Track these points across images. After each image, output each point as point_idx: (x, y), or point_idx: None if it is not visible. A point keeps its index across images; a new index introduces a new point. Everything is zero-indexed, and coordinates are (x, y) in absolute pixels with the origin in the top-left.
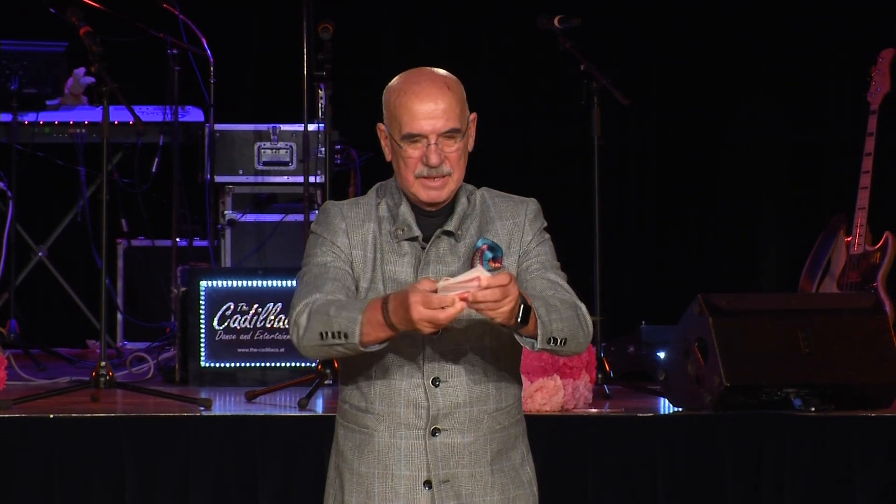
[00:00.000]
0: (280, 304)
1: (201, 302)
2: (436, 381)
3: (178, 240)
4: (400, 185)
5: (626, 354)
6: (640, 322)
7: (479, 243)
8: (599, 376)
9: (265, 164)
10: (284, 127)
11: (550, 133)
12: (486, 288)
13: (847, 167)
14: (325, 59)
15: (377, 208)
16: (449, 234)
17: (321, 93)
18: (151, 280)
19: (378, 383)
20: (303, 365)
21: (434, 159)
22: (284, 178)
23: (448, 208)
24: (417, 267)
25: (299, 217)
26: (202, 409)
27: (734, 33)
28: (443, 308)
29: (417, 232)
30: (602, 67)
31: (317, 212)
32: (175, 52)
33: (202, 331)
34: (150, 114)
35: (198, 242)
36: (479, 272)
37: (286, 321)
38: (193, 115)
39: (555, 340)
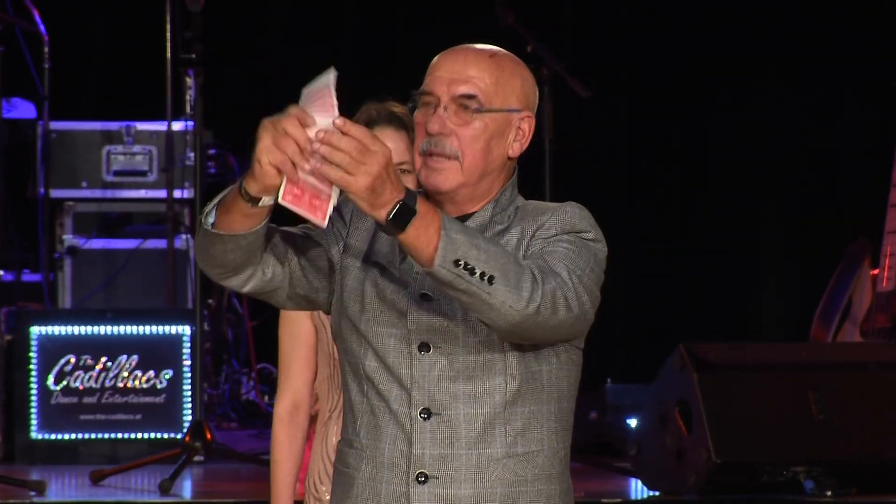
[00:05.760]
0: (136, 356)
1: (32, 354)
2: (425, 414)
3: (0, 272)
4: None
5: (587, 422)
6: (605, 380)
7: None
8: None
9: (116, 173)
10: (141, 125)
11: None
12: (346, 135)
13: (872, 179)
14: (194, 37)
15: None
16: None
17: (189, 81)
18: None
19: (367, 409)
20: (165, 437)
21: (433, 125)
22: (141, 193)
23: (466, 218)
24: (397, 270)
25: (161, 243)
26: (33, 494)
27: (730, 11)
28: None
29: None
30: (555, 49)
31: (183, 236)
32: None
33: (33, 392)
34: None
35: (27, 276)
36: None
37: (145, 377)
38: (22, 109)
39: (467, 267)
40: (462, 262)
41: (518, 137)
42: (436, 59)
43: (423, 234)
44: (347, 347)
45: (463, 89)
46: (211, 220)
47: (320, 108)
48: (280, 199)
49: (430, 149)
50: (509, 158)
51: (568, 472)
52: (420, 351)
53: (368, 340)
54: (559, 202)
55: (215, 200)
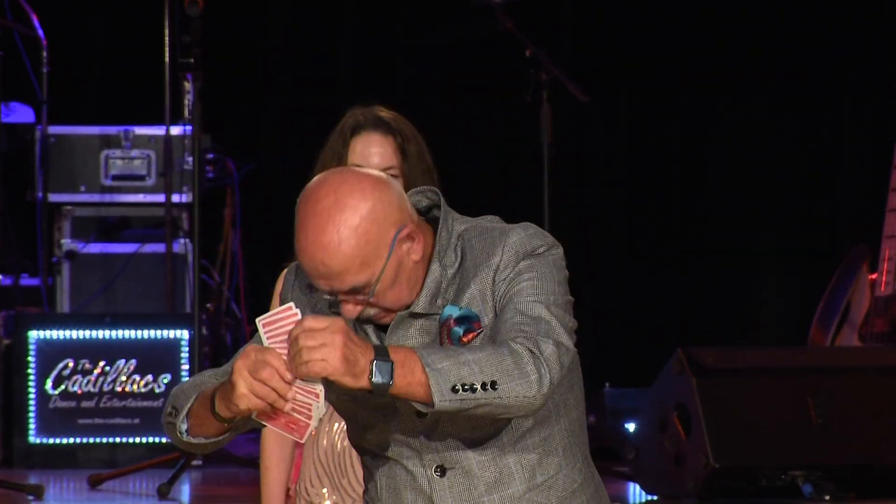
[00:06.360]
0: (134, 360)
1: (30, 358)
2: (440, 471)
3: None
4: None
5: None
6: (603, 384)
7: (444, 315)
8: None
9: (115, 178)
10: (140, 130)
11: (485, 138)
12: (306, 330)
13: (870, 183)
14: (193, 41)
15: None
16: (419, 316)
17: (188, 86)
18: None
19: (385, 472)
20: (164, 441)
21: (351, 315)
22: (140, 197)
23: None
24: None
25: (159, 247)
26: (31, 498)
27: (728, 15)
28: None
29: (375, 341)
30: (554, 54)
31: (181, 240)
32: None
33: (31, 396)
34: None
35: (26, 280)
36: (292, 307)
37: (143, 381)
38: (20, 114)
39: (465, 388)
40: (459, 387)
41: (412, 248)
42: (300, 252)
43: (410, 379)
44: (349, 421)
45: (345, 286)
46: (185, 427)
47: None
48: (255, 416)
49: (363, 323)
50: (417, 261)
51: (592, 471)
52: (419, 416)
53: (368, 414)
54: (517, 224)
55: (184, 411)
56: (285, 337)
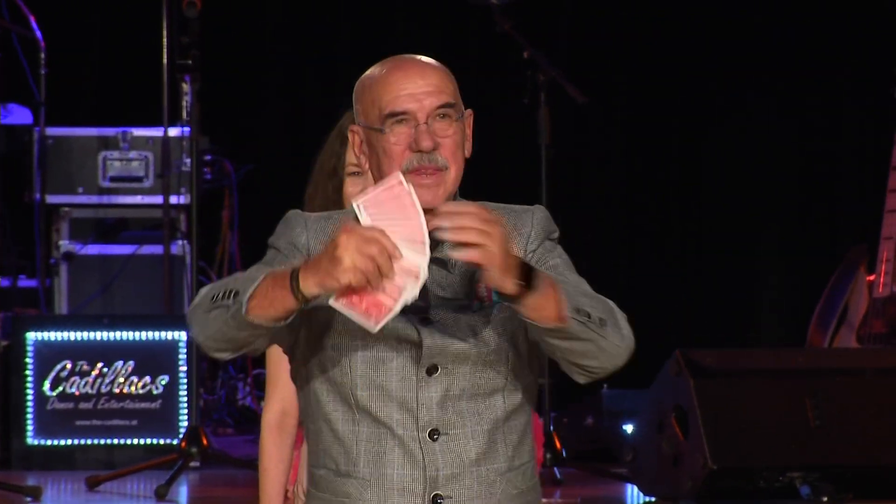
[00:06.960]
0: (132, 361)
1: (28, 360)
2: (434, 434)
3: None
4: None
5: (583, 427)
6: (601, 385)
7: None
8: (548, 456)
9: (113, 179)
10: (138, 131)
11: (483, 139)
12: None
13: (869, 184)
14: (191, 43)
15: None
16: (438, 262)
17: (186, 87)
18: None
19: (364, 437)
20: (161, 443)
21: (426, 141)
22: (138, 199)
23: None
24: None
25: (157, 249)
26: (29, 500)
27: (727, 16)
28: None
29: None
30: (552, 56)
31: (179, 242)
32: None
33: (29, 398)
34: None
35: (24, 282)
36: (398, 177)
37: (141, 383)
38: (18, 115)
39: (586, 314)
40: (582, 310)
41: (469, 138)
42: (386, 77)
43: (547, 289)
44: (334, 379)
45: (441, 99)
46: (244, 308)
47: (396, 212)
48: (332, 301)
49: (421, 165)
50: (467, 159)
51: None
52: (428, 374)
53: (364, 369)
54: (529, 205)
55: (250, 291)
56: (394, 213)
